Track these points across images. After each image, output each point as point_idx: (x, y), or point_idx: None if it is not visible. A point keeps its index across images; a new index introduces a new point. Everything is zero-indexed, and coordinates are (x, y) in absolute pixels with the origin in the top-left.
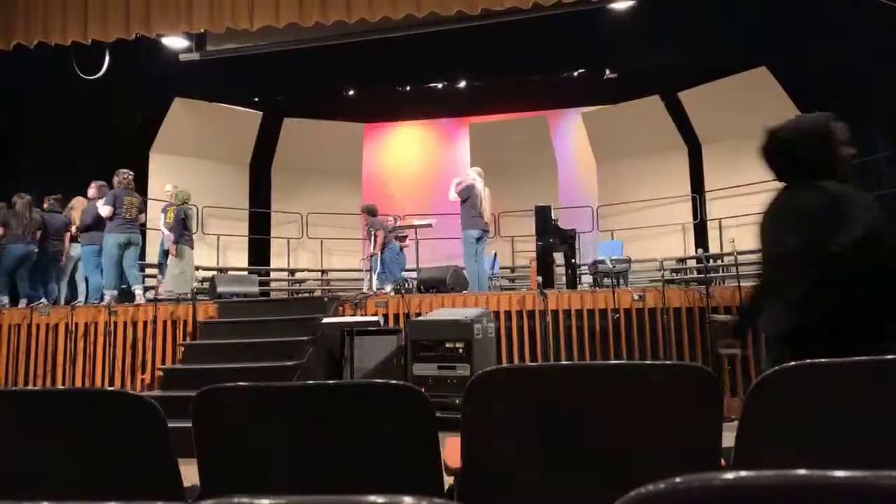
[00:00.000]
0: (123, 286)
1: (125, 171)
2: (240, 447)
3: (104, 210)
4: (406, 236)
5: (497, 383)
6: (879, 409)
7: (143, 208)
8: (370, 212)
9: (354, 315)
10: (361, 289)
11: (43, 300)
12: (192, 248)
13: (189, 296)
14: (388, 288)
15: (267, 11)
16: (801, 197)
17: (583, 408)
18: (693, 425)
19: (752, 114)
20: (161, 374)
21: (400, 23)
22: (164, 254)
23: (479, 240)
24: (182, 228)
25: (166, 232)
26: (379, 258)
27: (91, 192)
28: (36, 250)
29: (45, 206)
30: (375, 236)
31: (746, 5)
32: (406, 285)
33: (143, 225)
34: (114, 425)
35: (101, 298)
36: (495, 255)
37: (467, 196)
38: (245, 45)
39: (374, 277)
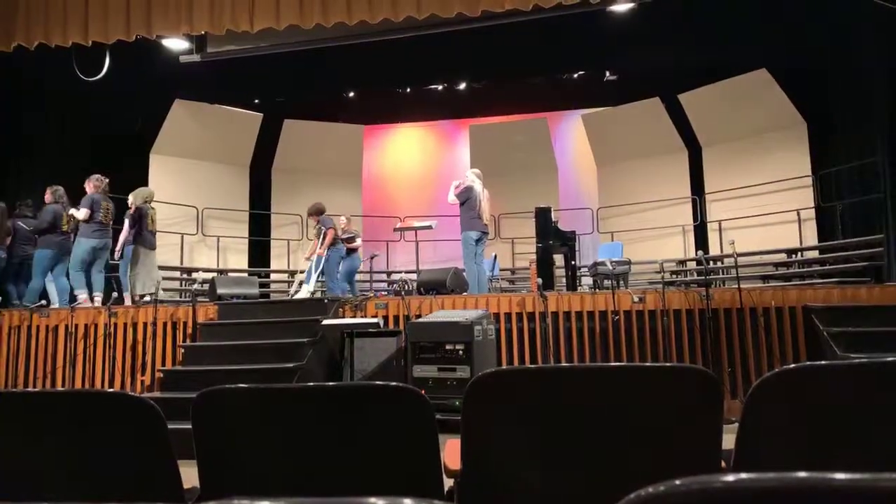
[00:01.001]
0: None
1: (100, 175)
2: (240, 449)
3: (81, 213)
4: (354, 237)
5: (497, 385)
6: (879, 411)
7: (114, 214)
8: (319, 211)
9: (354, 317)
10: (362, 291)
11: (42, 301)
12: (153, 248)
13: (148, 298)
14: (305, 289)
15: (267, 13)
16: None
17: (583, 410)
18: (693, 427)
19: (753, 116)
20: (161, 375)
21: (400, 25)
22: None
23: (478, 241)
24: (140, 229)
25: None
26: (323, 258)
27: (47, 196)
28: (3, 255)
29: (17, 211)
30: (325, 234)
31: (746, 7)
32: (406, 287)
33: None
34: (114, 427)
35: (74, 300)
36: (495, 256)
37: (466, 198)
38: (245, 47)
39: (312, 280)
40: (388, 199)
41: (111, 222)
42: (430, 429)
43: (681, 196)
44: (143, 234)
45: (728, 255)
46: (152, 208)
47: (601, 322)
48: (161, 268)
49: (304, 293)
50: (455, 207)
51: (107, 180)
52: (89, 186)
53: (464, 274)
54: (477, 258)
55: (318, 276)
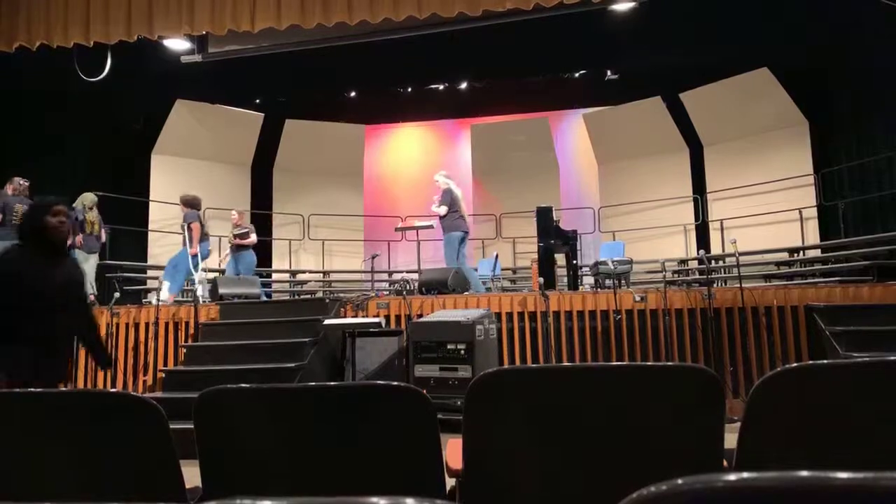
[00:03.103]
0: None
1: (19, 179)
2: (242, 448)
3: None
4: (247, 233)
5: (499, 385)
6: (881, 410)
7: None
8: (187, 203)
9: (356, 316)
10: (364, 290)
11: None
12: (89, 252)
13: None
14: (165, 292)
15: (268, 13)
16: None
17: (585, 409)
18: (695, 426)
19: (754, 115)
20: (163, 375)
21: (401, 24)
22: None
23: (462, 241)
24: (79, 232)
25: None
26: (199, 257)
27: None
28: None
29: None
30: (190, 230)
31: (747, 6)
32: (408, 286)
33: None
34: (116, 427)
35: None
36: (497, 256)
37: (450, 202)
38: (247, 47)
39: (196, 281)
40: (389, 199)
41: None
42: (432, 428)
43: (682, 195)
44: (83, 237)
45: (730, 255)
46: (89, 211)
47: (603, 321)
48: (163, 267)
49: (164, 295)
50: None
51: (26, 183)
52: (9, 189)
53: (465, 274)
54: (461, 258)
55: (187, 275)
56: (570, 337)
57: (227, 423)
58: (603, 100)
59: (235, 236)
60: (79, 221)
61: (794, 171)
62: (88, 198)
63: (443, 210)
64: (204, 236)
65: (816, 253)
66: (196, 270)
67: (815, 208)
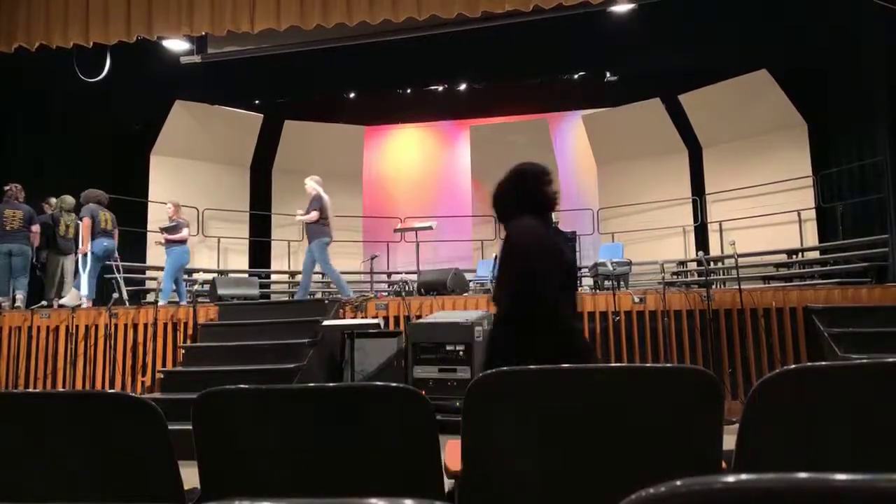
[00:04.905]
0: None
1: (11, 185)
2: (240, 449)
3: None
4: (178, 226)
5: (498, 386)
6: (880, 411)
7: (31, 219)
8: (86, 199)
9: (355, 317)
10: (363, 291)
11: (43, 302)
12: (63, 253)
13: (45, 303)
14: (74, 294)
15: (268, 14)
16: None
17: (583, 411)
18: (694, 428)
19: (753, 116)
20: (161, 376)
21: (401, 25)
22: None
23: (326, 247)
24: (50, 235)
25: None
26: (88, 255)
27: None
28: None
29: None
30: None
31: (746, 7)
32: (407, 287)
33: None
34: (114, 428)
35: None
36: (496, 257)
37: (319, 208)
38: (246, 48)
39: (83, 279)
40: (388, 200)
41: (20, 227)
42: (431, 429)
43: (681, 197)
44: (56, 240)
45: (728, 256)
46: (66, 214)
47: (602, 322)
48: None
49: (70, 299)
50: (456, 208)
51: (16, 187)
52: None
53: (464, 275)
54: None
55: (98, 263)
56: None
57: (226, 424)
58: (602, 101)
59: (162, 230)
60: (49, 224)
61: (793, 173)
62: (67, 201)
63: (313, 216)
64: (103, 232)
65: (815, 254)
66: (84, 269)
67: (814, 210)
